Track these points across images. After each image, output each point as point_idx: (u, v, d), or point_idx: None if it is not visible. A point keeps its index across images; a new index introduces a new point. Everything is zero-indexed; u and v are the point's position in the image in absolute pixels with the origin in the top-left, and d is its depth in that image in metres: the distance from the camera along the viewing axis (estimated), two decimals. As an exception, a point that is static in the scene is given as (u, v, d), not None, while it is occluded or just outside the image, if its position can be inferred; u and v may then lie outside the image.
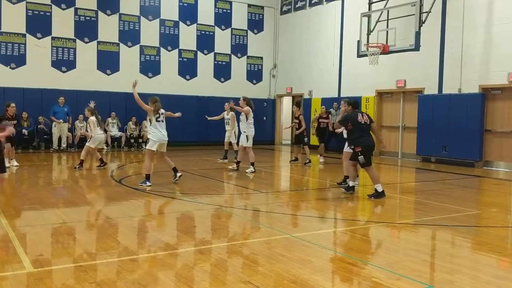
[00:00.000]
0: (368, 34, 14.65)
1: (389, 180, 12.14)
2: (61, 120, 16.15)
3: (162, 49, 19.39)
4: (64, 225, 6.29)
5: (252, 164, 11.54)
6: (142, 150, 17.47)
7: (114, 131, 17.66)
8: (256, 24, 21.57)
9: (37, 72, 16.97)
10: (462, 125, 14.00)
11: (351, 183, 8.69)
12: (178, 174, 9.61)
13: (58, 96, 16.58)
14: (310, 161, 13.57)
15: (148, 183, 9.16)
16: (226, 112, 13.95)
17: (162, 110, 9.49)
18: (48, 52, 17.31)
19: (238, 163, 11.89)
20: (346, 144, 9.34)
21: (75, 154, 14.73)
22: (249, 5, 21.35)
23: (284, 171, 13.16)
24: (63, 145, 16.56)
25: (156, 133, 9.32)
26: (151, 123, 9.41)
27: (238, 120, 12.39)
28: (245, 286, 4.10)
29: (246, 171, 11.41)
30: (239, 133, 12.32)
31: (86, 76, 17.82)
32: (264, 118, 20.54)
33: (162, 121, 9.44)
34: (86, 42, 17.94)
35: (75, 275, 4.33)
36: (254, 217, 7.14)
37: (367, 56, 14.46)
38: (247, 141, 11.59)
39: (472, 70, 13.97)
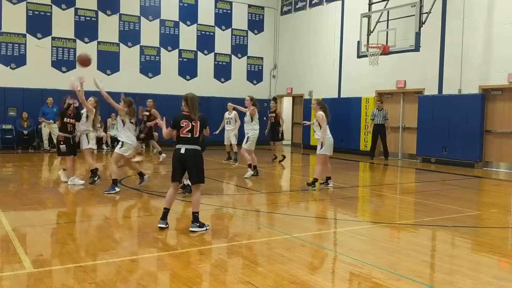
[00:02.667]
0: (368, 34, 14.66)
1: (389, 181, 12.15)
2: (51, 120, 16.04)
3: (162, 49, 19.39)
4: (64, 225, 6.29)
5: (250, 166, 11.04)
6: (142, 150, 17.48)
7: (114, 132, 17.67)
8: (256, 24, 21.57)
9: (37, 72, 16.96)
10: (462, 126, 13.99)
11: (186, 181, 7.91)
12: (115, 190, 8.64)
13: (60, 96, 16.47)
14: (276, 158, 14.38)
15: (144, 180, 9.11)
16: (228, 112, 13.67)
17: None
18: (48, 52, 17.31)
19: (255, 167, 11.11)
20: (319, 146, 9.34)
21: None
22: (250, 6, 21.35)
23: (284, 171, 13.15)
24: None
25: (132, 136, 8.75)
26: (124, 124, 8.61)
27: (242, 121, 11.98)
28: (245, 286, 4.10)
29: (245, 176, 10.88)
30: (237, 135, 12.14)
31: (86, 76, 17.69)
32: (265, 118, 20.50)
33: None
34: (86, 42, 17.94)
35: (75, 275, 4.33)
36: (254, 218, 7.14)
37: (367, 56, 14.47)
38: (246, 142, 11.05)
39: (472, 71, 13.97)
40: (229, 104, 13.70)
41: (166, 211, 6.03)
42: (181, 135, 5.94)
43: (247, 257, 4.99)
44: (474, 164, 13.88)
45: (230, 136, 13.54)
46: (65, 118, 9.34)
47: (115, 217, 7.11)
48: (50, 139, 16.33)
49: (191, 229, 5.89)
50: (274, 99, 15.16)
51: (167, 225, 5.99)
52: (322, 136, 9.19)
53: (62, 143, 9.32)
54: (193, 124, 5.95)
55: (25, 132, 16.28)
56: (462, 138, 14.00)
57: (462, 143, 14.01)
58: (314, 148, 18.92)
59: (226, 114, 13.67)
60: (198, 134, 5.96)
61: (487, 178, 12.11)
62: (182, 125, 5.93)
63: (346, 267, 4.77)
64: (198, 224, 5.93)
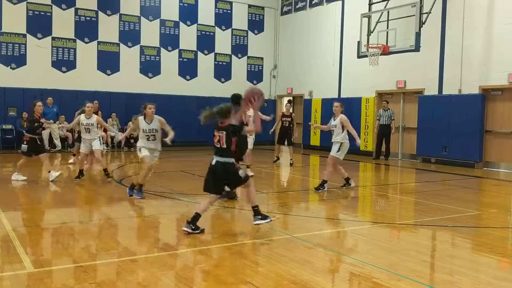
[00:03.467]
0: (368, 34, 14.66)
1: (389, 181, 12.15)
2: (51, 120, 16.02)
3: (162, 49, 19.39)
4: (64, 225, 6.29)
5: (248, 166, 10.91)
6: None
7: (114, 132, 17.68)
8: (256, 24, 21.57)
9: (37, 72, 16.96)
10: (462, 126, 13.98)
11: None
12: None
13: (54, 96, 16.47)
14: (278, 159, 14.26)
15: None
16: None
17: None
18: (48, 52, 17.31)
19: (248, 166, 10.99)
20: (336, 148, 9.15)
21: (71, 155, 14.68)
22: (250, 6, 21.35)
23: (284, 171, 13.15)
24: (58, 146, 16.52)
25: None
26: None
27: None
28: (246, 286, 4.10)
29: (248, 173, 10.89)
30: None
31: (86, 76, 17.82)
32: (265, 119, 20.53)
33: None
34: (86, 42, 17.94)
35: (75, 275, 4.33)
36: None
37: (367, 56, 14.47)
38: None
39: (472, 71, 13.96)
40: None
41: (196, 215, 5.71)
42: (214, 144, 5.82)
43: (248, 257, 4.99)
44: (474, 164, 13.88)
45: None
46: (36, 123, 9.75)
47: (115, 217, 7.11)
48: (50, 139, 16.34)
49: (254, 223, 5.91)
50: (290, 101, 14.55)
51: (193, 230, 5.63)
52: (354, 135, 9.01)
53: (25, 142, 9.67)
54: (220, 135, 5.73)
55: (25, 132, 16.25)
56: (462, 138, 13.99)
57: (462, 143, 14.01)
58: (314, 148, 18.90)
59: None
60: (225, 145, 5.69)
61: (487, 178, 12.10)
62: (214, 134, 5.81)
63: (346, 267, 4.77)
64: (260, 217, 5.91)
